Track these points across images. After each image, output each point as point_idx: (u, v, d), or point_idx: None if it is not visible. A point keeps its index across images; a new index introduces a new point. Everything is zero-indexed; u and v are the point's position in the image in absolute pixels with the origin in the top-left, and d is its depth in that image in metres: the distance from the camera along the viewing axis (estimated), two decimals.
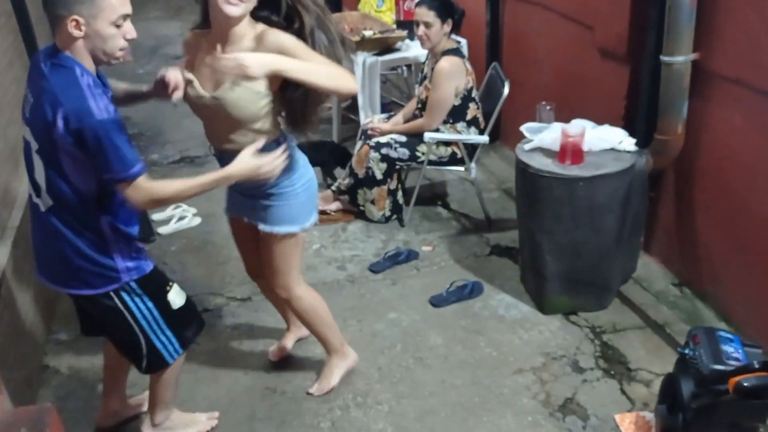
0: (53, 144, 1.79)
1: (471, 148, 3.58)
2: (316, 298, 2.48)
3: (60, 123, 1.75)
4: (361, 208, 3.75)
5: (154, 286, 2.07)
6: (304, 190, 2.24)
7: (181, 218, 3.86)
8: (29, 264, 2.93)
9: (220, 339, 2.93)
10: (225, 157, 2.10)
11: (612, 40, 3.04)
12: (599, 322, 2.89)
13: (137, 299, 2.04)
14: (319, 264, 3.41)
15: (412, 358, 2.76)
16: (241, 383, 2.68)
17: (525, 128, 2.95)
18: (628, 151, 2.76)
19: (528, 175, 2.77)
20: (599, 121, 2.90)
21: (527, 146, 2.87)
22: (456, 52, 3.42)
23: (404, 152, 3.58)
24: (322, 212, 3.78)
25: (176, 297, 2.12)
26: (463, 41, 4.00)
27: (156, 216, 3.88)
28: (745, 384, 1.67)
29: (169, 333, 2.11)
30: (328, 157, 4.02)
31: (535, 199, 2.79)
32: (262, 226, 2.26)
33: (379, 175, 3.62)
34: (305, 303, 2.43)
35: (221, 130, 2.11)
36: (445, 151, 3.58)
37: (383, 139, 3.62)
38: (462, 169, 3.62)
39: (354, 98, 4.34)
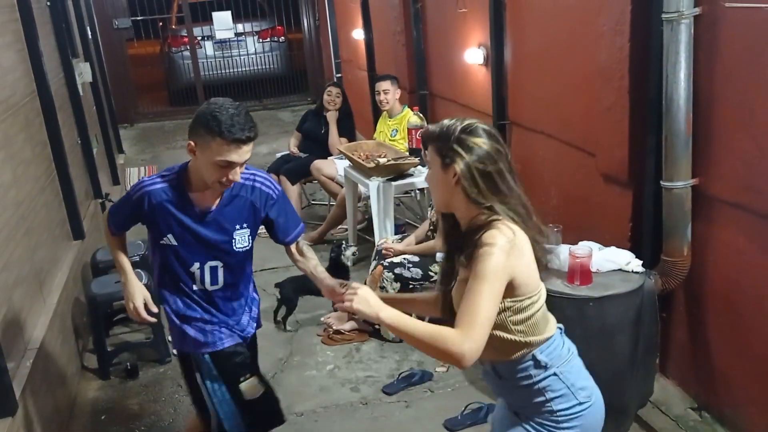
0: None
1: None
2: None
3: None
4: (376, 327, 3.78)
5: (228, 368, 2.25)
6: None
7: None
8: (46, 385, 2.96)
9: None
10: None
11: (614, 166, 3.18)
12: None
13: (205, 377, 2.25)
14: (332, 385, 3.39)
15: None
16: None
17: None
18: (636, 272, 2.82)
19: None
20: (606, 244, 2.98)
21: None
22: None
23: (417, 272, 3.66)
24: (336, 332, 3.81)
25: (249, 389, 2.24)
26: None
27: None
28: None
29: (237, 416, 2.25)
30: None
31: None
32: None
33: None
34: None
35: None
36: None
37: (397, 259, 3.71)
38: None
39: (369, 220, 4.48)
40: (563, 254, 2.85)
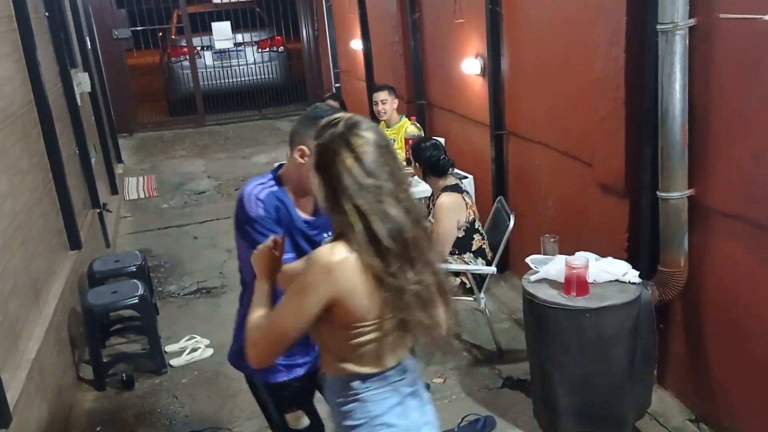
0: None
1: (480, 279, 3.64)
2: None
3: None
4: None
5: (279, 398, 2.17)
6: None
7: (193, 350, 3.87)
8: (41, 396, 2.94)
9: None
10: None
11: (611, 176, 3.18)
12: None
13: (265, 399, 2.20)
14: None
15: None
16: None
17: (530, 260, 3.03)
18: (633, 283, 2.81)
19: (535, 306, 2.81)
20: (602, 254, 2.97)
21: (533, 277, 2.93)
22: (455, 188, 3.58)
23: None
24: None
25: (294, 421, 2.19)
26: (470, 177, 4.19)
27: (169, 348, 3.90)
28: None
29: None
30: None
31: (543, 330, 2.81)
32: None
33: None
34: None
35: None
36: (453, 282, 3.64)
37: None
38: (472, 299, 3.66)
39: None
40: (559, 265, 2.84)
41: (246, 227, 1.94)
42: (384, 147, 1.58)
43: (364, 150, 1.54)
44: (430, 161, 3.64)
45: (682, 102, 2.66)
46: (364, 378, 1.66)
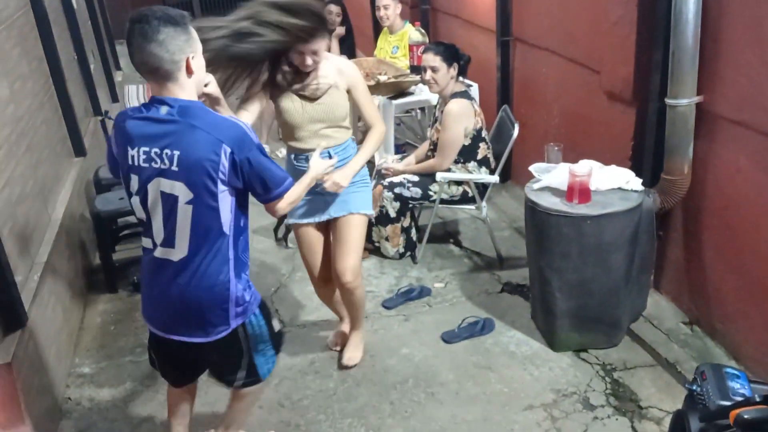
0: (211, 185, 1.83)
1: (482, 188, 3.67)
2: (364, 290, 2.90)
3: (225, 159, 1.82)
4: (377, 244, 3.84)
5: (267, 310, 2.14)
6: (369, 181, 2.81)
7: None
8: (54, 297, 3.04)
9: None
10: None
11: (618, 83, 3.13)
12: (610, 360, 2.92)
13: (257, 326, 2.09)
14: None
15: (423, 393, 2.80)
16: (257, 416, 2.73)
17: (534, 168, 3.04)
18: (635, 191, 2.83)
19: (537, 214, 2.84)
20: (606, 162, 2.98)
21: (536, 186, 2.95)
22: (464, 94, 3.54)
23: (417, 191, 3.68)
24: None
25: (276, 322, 2.19)
26: (475, 85, 4.13)
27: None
28: (746, 416, 1.69)
29: (271, 352, 2.17)
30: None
31: (544, 237, 2.86)
32: (355, 210, 2.70)
33: (392, 213, 3.71)
34: (362, 291, 2.85)
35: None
36: (456, 190, 3.67)
37: (396, 179, 3.72)
38: (473, 207, 3.70)
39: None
40: (563, 173, 2.86)
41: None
42: None
43: None
44: (466, 62, 3.60)
45: (696, 5, 2.58)
46: None
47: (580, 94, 3.61)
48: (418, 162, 3.84)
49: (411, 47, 4.61)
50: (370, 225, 3.79)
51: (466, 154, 3.59)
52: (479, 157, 3.61)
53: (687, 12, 2.60)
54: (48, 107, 3.86)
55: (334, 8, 5.47)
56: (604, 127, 3.37)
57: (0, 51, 3.15)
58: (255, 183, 1.91)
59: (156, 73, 1.82)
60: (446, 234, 4.12)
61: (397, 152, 4.46)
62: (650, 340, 2.99)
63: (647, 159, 3.05)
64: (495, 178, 3.59)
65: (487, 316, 3.24)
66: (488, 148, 3.64)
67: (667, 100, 2.77)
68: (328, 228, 2.81)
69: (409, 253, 3.84)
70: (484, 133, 3.61)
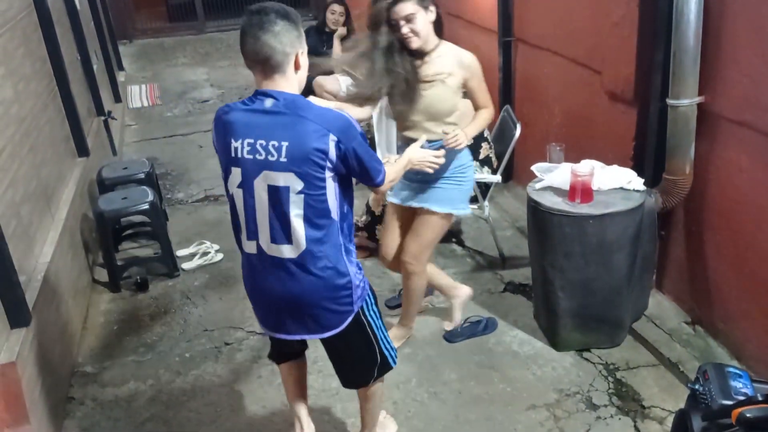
0: (320, 172, 1.85)
1: (484, 187, 3.67)
2: (425, 282, 2.93)
3: (333, 148, 1.84)
4: (379, 243, 3.84)
5: (375, 296, 2.18)
6: (468, 181, 2.83)
7: (204, 254, 3.97)
8: (58, 297, 3.05)
9: (240, 371, 3.00)
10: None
11: (619, 83, 3.14)
12: (612, 359, 2.92)
13: (372, 310, 2.13)
14: None
15: (426, 392, 2.81)
16: (261, 414, 2.74)
17: (536, 168, 3.04)
18: (637, 191, 2.84)
19: (539, 213, 2.85)
20: (608, 162, 2.98)
21: (538, 185, 2.96)
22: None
23: None
24: None
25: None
26: None
27: (180, 252, 4.00)
28: (748, 415, 1.70)
29: (389, 338, 2.23)
30: None
31: (546, 237, 2.87)
32: (428, 206, 2.75)
33: None
34: (423, 281, 2.89)
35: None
36: None
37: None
38: (476, 207, 3.71)
39: (371, 138, 4.47)
40: (565, 172, 2.86)
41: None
42: None
43: None
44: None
45: (698, 5, 2.59)
46: None
47: (581, 94, 3.61)
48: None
49: None
50: (373, 224, 3.80)
51: None
52: (481, 156, 3.61)
53: (688, 12, 2.60)
54: (51, 107, 3.87)
55: (337, 8, 5.48)
56: (606, 127, 3.38)
57: (4, 52, 3.16)
58: (358, 169, 1.95)
59: (267, 63, 1.85)
60: (449, 233, 4.10)
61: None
62: (653, 340, 3.00)
63: (649, 159, 3.05)
64: (497, 178, 3.60)
65: (490, 315, 3.25)
66: (490, 147, 3.65)
67: (669, 101, 2.78)
68: (413, 215, 2.85)
69: None
70: (486, 133, 3.61)
